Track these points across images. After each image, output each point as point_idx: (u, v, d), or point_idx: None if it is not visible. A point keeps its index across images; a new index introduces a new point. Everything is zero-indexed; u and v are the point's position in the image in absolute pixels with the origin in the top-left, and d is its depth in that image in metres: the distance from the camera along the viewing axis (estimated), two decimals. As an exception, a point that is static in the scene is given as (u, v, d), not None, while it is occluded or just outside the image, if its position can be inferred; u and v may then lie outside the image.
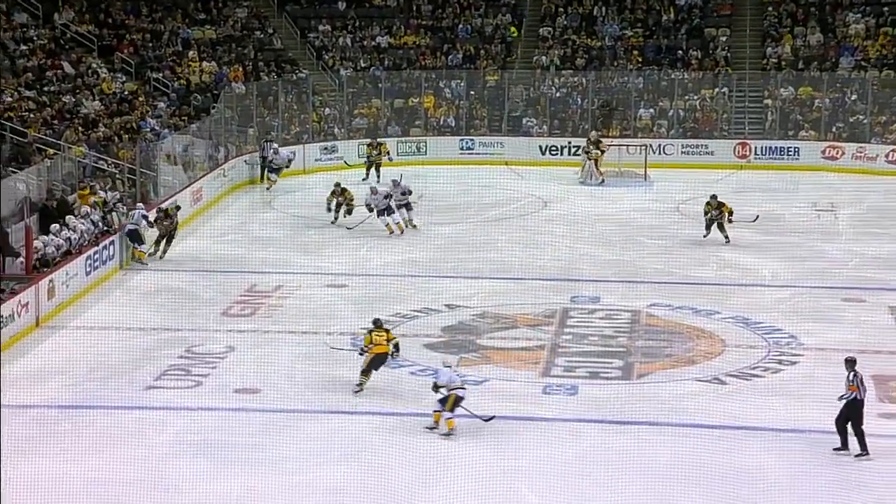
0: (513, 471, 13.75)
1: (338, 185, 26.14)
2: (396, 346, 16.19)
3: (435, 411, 14.72)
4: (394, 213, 24.93)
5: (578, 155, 32.43)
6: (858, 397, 13.95)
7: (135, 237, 22.44)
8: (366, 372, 16.01)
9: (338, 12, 38.40)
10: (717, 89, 34.96)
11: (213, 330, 18.82)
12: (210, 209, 27.68)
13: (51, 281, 19.50)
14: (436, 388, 14.86)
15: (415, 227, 25.26)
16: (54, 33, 33.12)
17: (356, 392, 15.95)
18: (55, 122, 28.20)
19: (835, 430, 14.07)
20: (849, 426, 14.00)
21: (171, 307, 20.08)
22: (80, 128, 28.16)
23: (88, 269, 21.04)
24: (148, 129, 29.54)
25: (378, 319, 16.37)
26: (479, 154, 34.02)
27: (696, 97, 35.01)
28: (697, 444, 14.16)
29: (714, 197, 24.16)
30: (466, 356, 17.57)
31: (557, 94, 35.49)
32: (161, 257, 22.98)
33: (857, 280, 21.69)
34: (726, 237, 23.90)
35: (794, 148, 33.41)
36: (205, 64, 34.67)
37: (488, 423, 14.82)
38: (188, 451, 14.22)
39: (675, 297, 20.38)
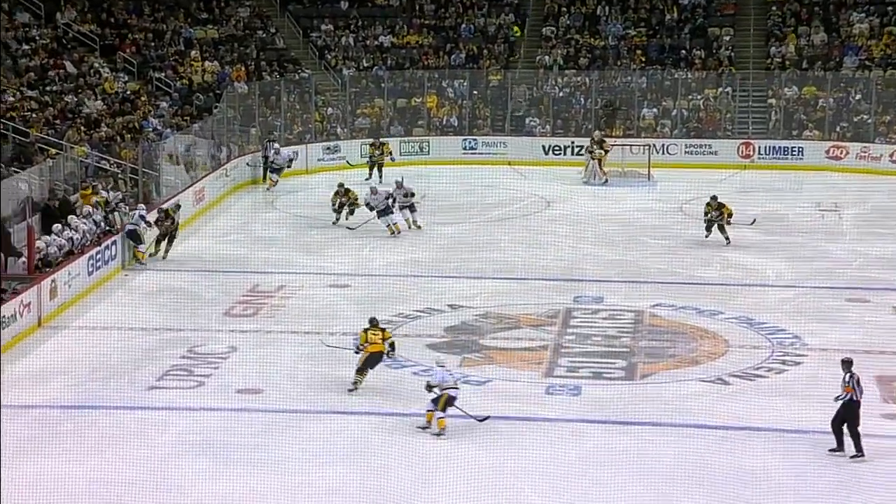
0: (515, 471, 13.70)
1: (341, 185, 26.11)
2: (392, 346, 16.19)
3: (428, 411, 14.72)
4: (392, 213, 24.89)
5: (581, 155, 32.40)
6: (854, 398, 13.89)
7: (134, 237, 22.42)
8: (361, 371, 16.01)
9: (340, 12, 38.37)
10: (720, 89, 34.92)
11: (216, 330, 18.79)
12: (212, 209, 27.64)
13: (53, 281, 19.47)
14: (429, 387, 14.84)
15: (419, 227, 25.22)
16: (56, 33, 33.11)
17: (351, 391, 15.95)
18: (57, 121, 28.20)
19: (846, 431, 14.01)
20: (845, 427, 13.95)
21: (173, 307, 20.05)
22: (82, 127, 28.15)
23: (90, 269, 21.02)
24: (150, 129, 29.53)
25: (374, 318, 16.35)
26: (482, 154, 34.00)
27: (699, 97, 34.97)
28: (701, 445, 14.13)
29: (714, 198, 24.11)
30: (469, 356, 17.54)
31: (561, 94, 35.45)
32: (164, 258, 22.96)
33: (861, 280, 21.63)
34: (727, 238, 23.83)
35: (798, 148, 33.35)
36: (207, 63, 34.65)
37: (483, 422, 14.78)
38: (190, 452, 14.18)
39: (679, 297, 20.34)
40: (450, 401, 14.69)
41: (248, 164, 30.61)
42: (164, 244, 23.06)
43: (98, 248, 21.39)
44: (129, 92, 31.75)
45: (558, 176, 31.48)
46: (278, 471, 13.68)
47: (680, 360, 17.54)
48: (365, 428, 14.91)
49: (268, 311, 19.90)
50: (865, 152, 32.72)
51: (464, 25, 37.82)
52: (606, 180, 30.87)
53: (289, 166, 30.45)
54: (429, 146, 34.10)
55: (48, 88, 29.96)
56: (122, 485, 13.23)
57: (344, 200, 25.76)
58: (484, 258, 23.06)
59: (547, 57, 36.57)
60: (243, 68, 34.87)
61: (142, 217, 22.58)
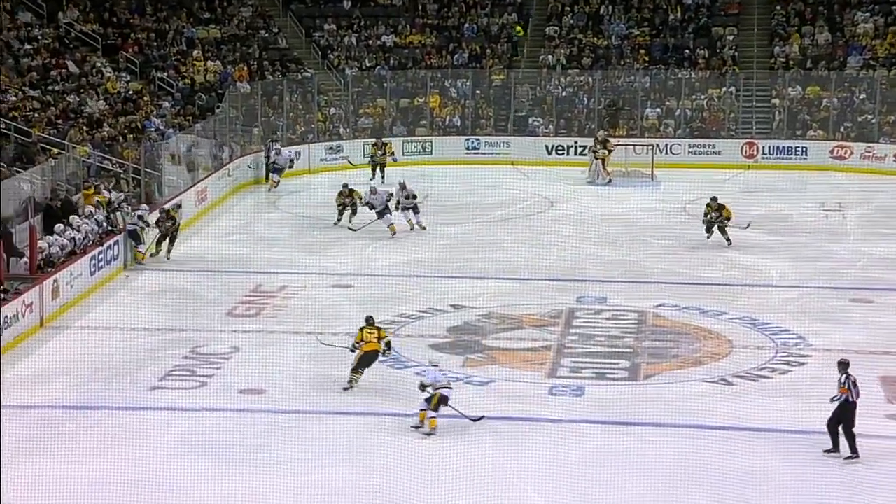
0: (518, 472, 13.66)
1: (345, 185, 26.05)
2: (388, 345, 16.19)
3: (420, 410, 14.71)
4: (390, 213, 24.86)
5: (584, 154, 32.35)
6: (850, 399, 13.84)
7: (134, 237, 22.40)
8: (355, 369, 16.00)
9: (343, 11, 38.34)
10: (724, 89, 34.86)
11: (218, 330, 18.77)
12: (215, 209, 27.63)
13: (55, 281, 19.45)
14: (422, 387, 14.83)
15: (423, 228, 25.16)
16: (59, 32, 33.09)
17: (346, 389, 15.96)
18: (59, 121, 28.18)
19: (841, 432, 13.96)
20: (840, 428, 13.90)
21: (175, 307, 20.02)
22: (84, 127, 28.14)
23: (93, 270, 21.00)
24: (152, 129, 29.50)
25: (370, 317, 16.33)
26: (484, 154, 33.96)
27: (703, 97, 34.92)
28: (704, 446, 14.06)
29: (714, 199, 24.03)
30: (472, 357, 17.51)
31: (564, 94, 35.40)
32: (167, 258, 22.92)
33: (866, 281, 21.58)
34: (728, 240, 23.74)
35: (802, 148, 33.29)
36: (209, 63, 34.62)
37: (478, 422, 14.74)
38: (193, 452, 14.15)
39: (682, 297, 20.29)
40: (442, 400, 14.68)
41: (248, 166, 30.57)
42: (165, 244, 23.03)
43: (100, 249, 21.37)
44: (131, 92, 31.73)
45: (561, 176, 31.42)
46: (281, 471, 13.64)
47: (683, 360, 17.50)
48: (367, 428, 14.87)
49: (270, 311, 19.87)
50: (869, 152, 32.65)
51: (467, 25, 37.78)
52: (610, 180, 30.82)
53: (291, 166, 30.42)
54: (431, 146, 34.07)
55: (50, 88, 29.94)
56: (124, 485, 13.19)
57: (347, 201, 25.72)
58: (487, 258, 23.01)
59: (550, 56, 36.52)
60: (246, 68, 34.84)
61: (140, 217, 22.57)
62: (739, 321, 19.07)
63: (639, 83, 34.95)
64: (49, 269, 19.82)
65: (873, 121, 33.34)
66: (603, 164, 31.03)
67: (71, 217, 21.63)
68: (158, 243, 23.04)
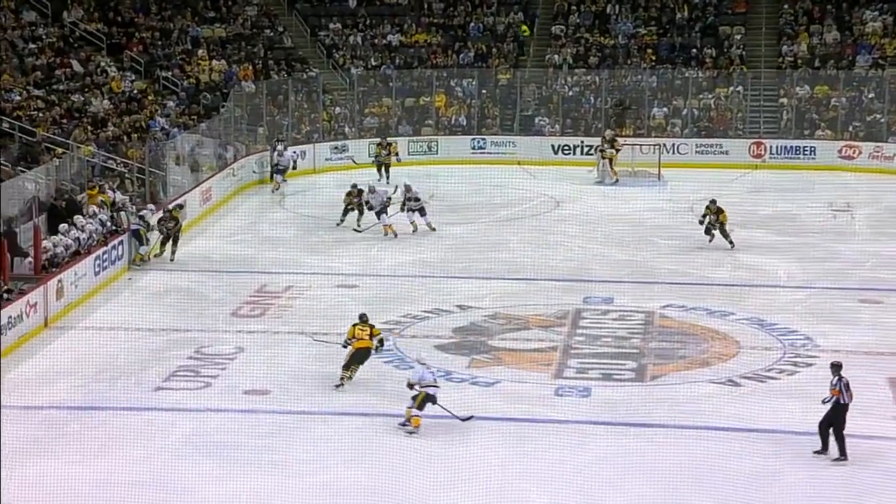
0: (524, 473, 13.60)
1: (354, 186, 25.93)
2: (381, 342, 16.21)
3: (408, 408, 14.66)
4: (387, 213, 24.78)
5: (591, 154, 32.26)
6: (841, 401, 13.77)
7: (137, 237, 22.35)
8: (347, 367, 15.98)
9: (348, 10, 38.29)
10: (731, 88, 34.77)
11: (223, 331, 18.71)
12: (219, 209, 27.58)
13: (59, 281, 19.41)
14: (410, 385, 14.78)
15: (433, 229, 25.04)
16: (63, 32, 33.06)
17: (337, 387, 15.92)
18: (64, 121, 28.15)
19: (848, 432, 13.83)
20: (831, 430, 13.82)
21: (180, 308, 19.97)
22: (88, 127, 28.10)
23: (97, 270, 20.96)
24: (157, 129, 29.46)
25: (364, 314, 16.34)
26: (490, 153, 33.88)
27: (710, 96, 34.82)
28: (711, 447, 14.00)
29: (713, 202, 23.87)
30: (478, 357, 17.44)
31: (570, 93, 35.31)
32: (171, 259, 22.85)
33: (874, 281, 21.48)
34: (731, 242, 23.57)
35: (810, 147, 33.18)
36: (214, 62, 34.58)
37: (466, 422, 14.69)
38: (197, 453, 14.10)
39: (690, 297, 20.20)
40: (429, 399, 14.63)
41: (254, 171, 30.49)
42: (168, 245, 22.97)
43: (105, 249, 21.33)
44: (135, 91, 31.70)
45: (568, 176, 31.34)
46: (285, 472, 13.60)
47: (690, 361, 17.40)
48: (372, 429, 14.81)
49: (275, 311, 19.81)
50: (878, 152, 32.53)
51: (472, 24, 37.70)
52: (617, 180, 30.73)
53: (295, 167, 30.37)
54: (437, 146, 34.00)
55: (55, 87, 29.91)
56: (128, 486, 13.15)
57: (356, 202, 25.62)
58: (493, 258, 22.95)
59: (556, 56, 36.43)
60: (251, 67, 34.78)
61: (140, 217, 22.53)
62: (747, 322, 18.97)
63: (646, 82, 34.86)
64: (53, 270, 19.79)
65: (882, 120, 33.21)
66: (610, 164, 30.94)
67: (75, 217, 21.60)
68: (162, 244, 22.98)
